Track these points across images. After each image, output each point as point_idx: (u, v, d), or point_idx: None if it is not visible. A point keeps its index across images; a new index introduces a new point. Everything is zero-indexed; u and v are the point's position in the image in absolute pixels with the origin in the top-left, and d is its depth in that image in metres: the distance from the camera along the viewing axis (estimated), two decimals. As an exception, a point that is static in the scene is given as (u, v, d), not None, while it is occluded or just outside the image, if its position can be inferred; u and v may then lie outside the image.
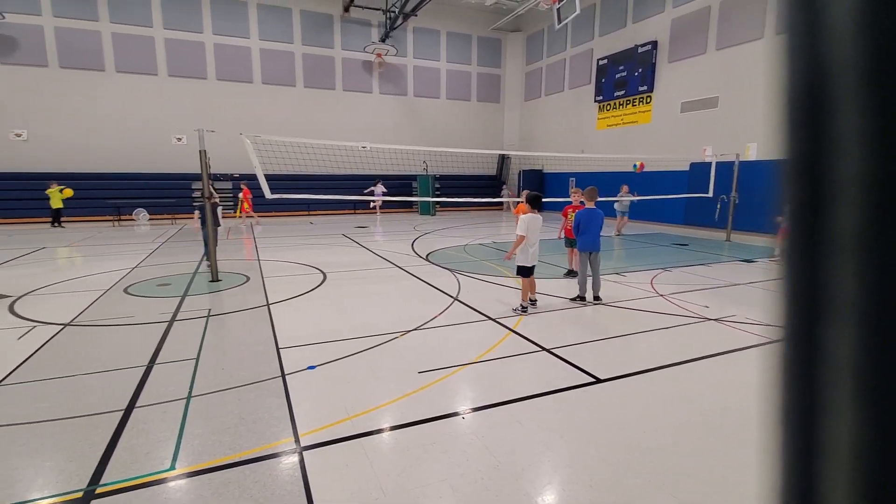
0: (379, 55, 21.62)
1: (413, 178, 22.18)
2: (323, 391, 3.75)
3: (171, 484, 2.63)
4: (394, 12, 19.79)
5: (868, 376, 0.29)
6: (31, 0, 17.03)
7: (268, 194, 8.52)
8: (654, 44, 16.83)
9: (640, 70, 17.43)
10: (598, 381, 3.95)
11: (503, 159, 25.18)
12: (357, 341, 4.84)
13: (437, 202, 21.00)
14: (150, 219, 17.33)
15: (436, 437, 3.09)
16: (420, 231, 14.84)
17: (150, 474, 2.69)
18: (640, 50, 17.39)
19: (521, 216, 5.75)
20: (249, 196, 16.01)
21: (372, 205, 20.75)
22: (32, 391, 3.76)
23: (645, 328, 5.34)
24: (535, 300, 6.21)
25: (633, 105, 18.09)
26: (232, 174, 19.20)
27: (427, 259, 9.72)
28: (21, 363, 4.29)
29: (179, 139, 19.41)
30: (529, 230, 5.69)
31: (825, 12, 0.30)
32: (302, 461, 2.82)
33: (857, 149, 0.28)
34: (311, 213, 21.05)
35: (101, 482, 2.62)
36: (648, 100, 17.40)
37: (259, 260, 9.63)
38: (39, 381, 3.92)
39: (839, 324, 0.30)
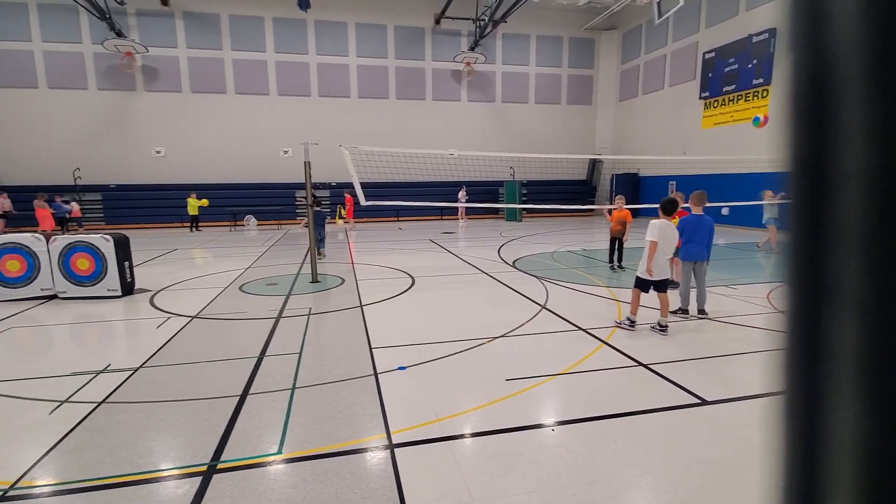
0: (468, 63, 21.96)
1: (500, 184, 22.13)
2: (413, 392, 3.86)
3: (279, 467, 2.86)
4: (483, 20, 19.99)
5: (871, 370, 0.29)
6: (170, 35, 19.82)
7: (363, 201, 9.02)
8: (773, 31, 15.16)
9: (755, 61, 15.79)
10: (704, 402, 3.61)
11: (594, 163, 24.20)
12: (444, 345, 4.92)
13: (524, 208, 20.71)
14: (258, 224, 19.19)
15: (524, 447, 3.03)
16: (506, 237, 14.75)
17: (261, 456, 2.96)
18: (754, 39, 15.77)
19: (653, 221, 5.21)
20: (352, 203, 17.09)
21: (461, 216, 21.09)
22: (169, 373, 4.32)
23: (759, 347, 4.79)
24: (666, 326, 5.25)
25: (745, 100, 16.43)
26: (329, 183, 20.65)
27: (514, 265, 9.62)
28: (160, 348, 4.96)
29: (286, 152, 21.28)
30: (662, 238, 5.09)
31: (829, 1, 0.29)
32: (393, 458, 2.92)
33: (862, 140, 0.28)
34: (400, 218, 21.90)
35: (222, 459, 2.93)
36: (765, 94, 15.70)
37: (353, 263, 10.20)
38: (174, 366, 4.50)
39: (843, 316, 0.30)
